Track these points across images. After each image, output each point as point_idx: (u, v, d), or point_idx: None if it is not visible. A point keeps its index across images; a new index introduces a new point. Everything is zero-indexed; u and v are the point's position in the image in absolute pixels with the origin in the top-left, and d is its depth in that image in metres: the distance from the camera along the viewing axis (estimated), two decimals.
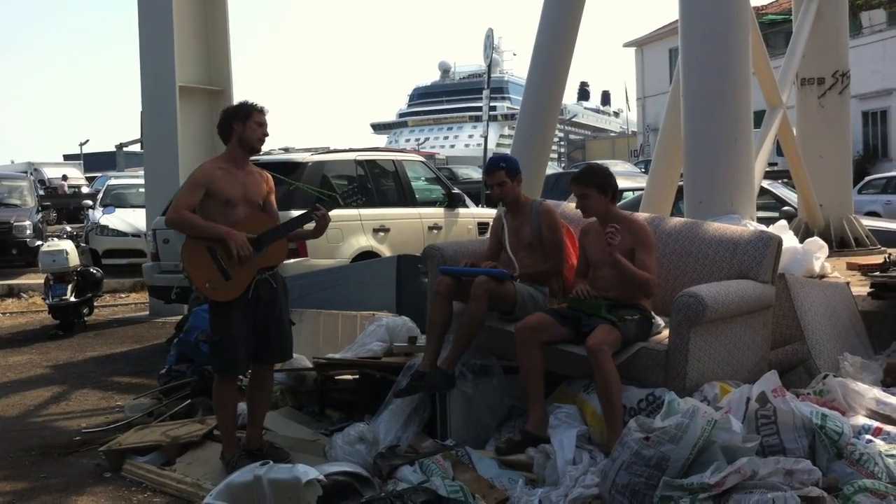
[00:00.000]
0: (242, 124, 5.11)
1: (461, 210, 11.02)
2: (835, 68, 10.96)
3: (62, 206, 26.60)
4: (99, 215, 16.73)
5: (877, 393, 5.09)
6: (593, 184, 5.32)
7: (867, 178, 21.45)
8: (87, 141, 44.90)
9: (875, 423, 4.73)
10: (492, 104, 19.99)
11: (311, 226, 5.27)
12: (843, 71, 10.99)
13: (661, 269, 5.41)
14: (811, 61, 10.84)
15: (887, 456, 4.26)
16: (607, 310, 4.99)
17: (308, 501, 4.29)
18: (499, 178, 5.72)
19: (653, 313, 5.20)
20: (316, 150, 10.00)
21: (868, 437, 4.56)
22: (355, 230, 9.35)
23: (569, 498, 4.32)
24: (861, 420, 4.78)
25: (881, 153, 31.76)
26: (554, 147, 25.40)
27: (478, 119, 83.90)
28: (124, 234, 16.23)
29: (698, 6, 7.62)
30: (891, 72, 30.36)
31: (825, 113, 11.02)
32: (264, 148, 5.51)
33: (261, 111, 5.18)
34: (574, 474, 4.46)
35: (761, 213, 8.90)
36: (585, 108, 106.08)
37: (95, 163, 42.55)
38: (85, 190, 26.68)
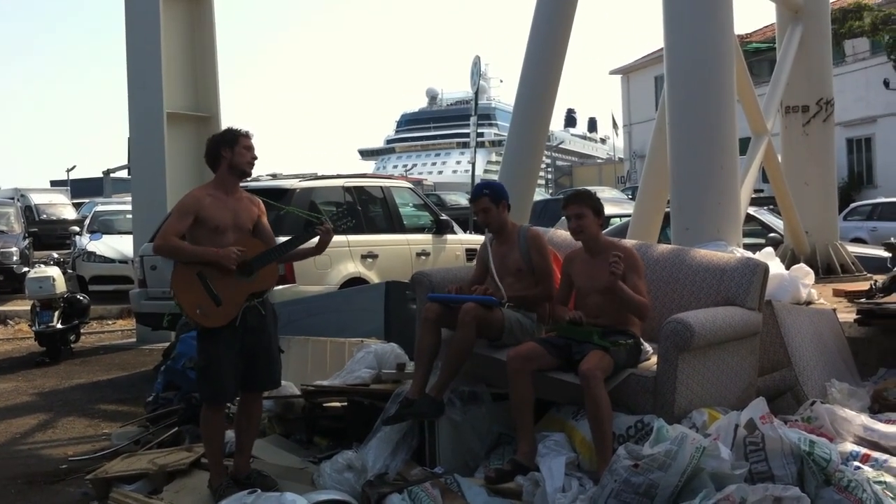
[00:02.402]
0: (231, 150, 5.10)
1: (449, 236, 11.03)
2: (819, 96, 11.07)
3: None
4: (86, 241, 16.68)
5: (864, 419, 5.11)
6: (590, 205, 5.36)
7: (852, 205, 21.61)
8: (74, 167, 44.49)
9: (863, 450, 4.74)
10: (479, 131, 20.08)
11: (313, 242, 5.25)
12: (827, 99, 11.10)
13: (648, 295, 5.42)
14: (795, 89, 10.94)
15: (875, 482, 4.26)
16: (599, 336, 4.99)
17: None
18: (482, 204, 5.73)
19: (641, 340, 5.22)
20: (304, 177, 10.02)
21: (856, 463, 4.56)
22: (343, 257, 9.35)
23: None
24: (849, 447, 4.79)
25: (866, 180, 31.95)
26: (541, 173, 25.49)
27: (465, 145, 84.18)
28: (111, 261, 16.17)
29: (683, 35, 7.69)
30: (874, 99, 30.61)
31: (810, 140, 11.12)
32: (252, 173, 5.50)
33: (247, 135, 5.17)
34: (563, 502, 4.45)
35: (747, 240, 8.97)
36: (572, 135, 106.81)
37: (82, 189, 42.33)
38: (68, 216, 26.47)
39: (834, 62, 12.73)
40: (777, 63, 10.94)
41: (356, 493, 4.89)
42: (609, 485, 4.21)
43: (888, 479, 4.34)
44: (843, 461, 4.47)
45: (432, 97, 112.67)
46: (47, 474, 6.11)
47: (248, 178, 5.61)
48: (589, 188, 5.69)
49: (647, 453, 4.20)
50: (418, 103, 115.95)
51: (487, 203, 5.71)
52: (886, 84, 30.13)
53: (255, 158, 5.19)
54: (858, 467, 4.49)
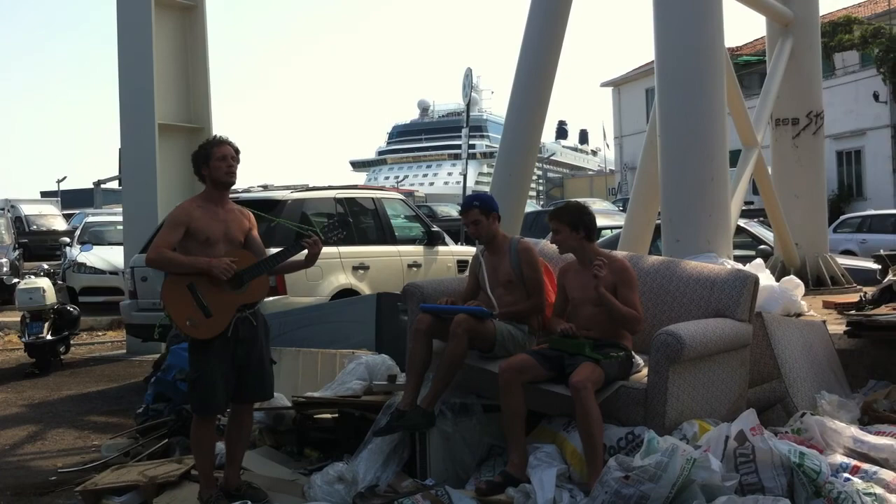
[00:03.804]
0: (207, 166, 5.11)
1: (440, 248, 11.05)
2: (809, 109, 11.12)
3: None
4: (76, 253, 16.65)
5: (854, 431, 5.11)
6: (565, 220, 5.37)
7: (842, 217, 21.68)
8: (65, 177, 44.57)
9: (853, 462, 4.75)
10: (471, 142, 20.15)
11: (303, 255, 5.24)
12: (816, 111, 11.15)
13: (641, 308, 5.43)
14: (785, 102, 10.99)
15: (865, 494, 4.27)
16: (591, 349, 5.00)
17: None
18: (473, 216, 5.73)
19: (632, 352, 5.22)
20: (295, 188, 10.02)
21: (846, 475, 4.57)
22: (335, 268, 9.35)
23: None
24: (839, 458, 4.80)
25: (855, 192, 32.09)
26: (533, 185, 25.56)
27: (457, 157, 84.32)
28: (102, 272, 16.15)
29: (673, 48, 7.73)
30: (864, 112, 30.77)
31: (800, 153, 11.15)
32: (243, 185, 5.49)
33: (219, 144, 5.14)
34: None
35: (738, 252, 8.98)
36: (564, 147, 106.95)
37: (73, 199, 42.31)
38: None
39: (824, 75, 12.78)
40: (767, 76, 10.98)
41: None
42: (600, 496, 4.21)
43: (877, 490, 4.35)
44: (833, 473, 4.48)
45: (424, 109, 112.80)
46: (36, 486, 6.08)
47: (240, 189, 5.60)
48: (580, 200, 5.68)
49: (637, 465, 4.21)
50: (410, 115, 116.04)
51: (477, 215, 5.72)
52: (876, 97, 30.32)
53: (232, 165, 5.13)
54: (848, 479, 4.50)
